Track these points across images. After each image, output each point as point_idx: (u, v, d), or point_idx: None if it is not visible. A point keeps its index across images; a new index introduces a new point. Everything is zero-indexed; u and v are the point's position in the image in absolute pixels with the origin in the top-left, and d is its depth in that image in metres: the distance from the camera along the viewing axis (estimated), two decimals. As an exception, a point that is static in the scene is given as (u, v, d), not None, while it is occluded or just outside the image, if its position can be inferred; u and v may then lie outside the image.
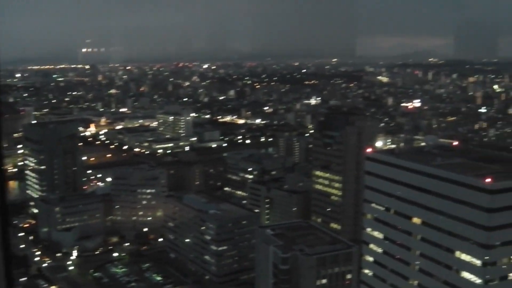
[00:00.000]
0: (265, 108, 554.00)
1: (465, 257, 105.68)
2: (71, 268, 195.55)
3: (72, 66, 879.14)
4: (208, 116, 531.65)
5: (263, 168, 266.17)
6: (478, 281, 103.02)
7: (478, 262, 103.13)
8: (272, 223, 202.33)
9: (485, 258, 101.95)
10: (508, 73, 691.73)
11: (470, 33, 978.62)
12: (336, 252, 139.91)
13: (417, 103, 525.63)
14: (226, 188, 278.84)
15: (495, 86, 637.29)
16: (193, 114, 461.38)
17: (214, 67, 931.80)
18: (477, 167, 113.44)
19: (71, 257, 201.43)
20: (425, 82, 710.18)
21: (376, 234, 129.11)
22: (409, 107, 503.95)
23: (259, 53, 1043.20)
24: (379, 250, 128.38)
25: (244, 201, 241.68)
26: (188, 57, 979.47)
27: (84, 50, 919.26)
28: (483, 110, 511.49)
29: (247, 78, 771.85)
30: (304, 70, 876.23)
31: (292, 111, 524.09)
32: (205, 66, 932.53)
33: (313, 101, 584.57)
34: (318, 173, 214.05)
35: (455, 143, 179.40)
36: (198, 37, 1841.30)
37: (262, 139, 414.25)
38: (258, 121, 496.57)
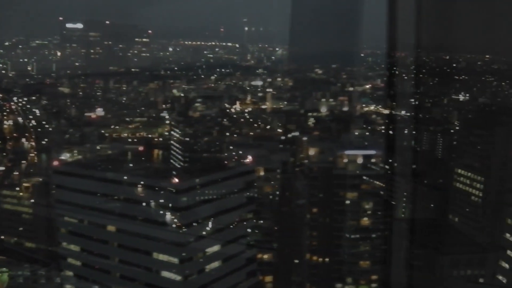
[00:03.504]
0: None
1: (163, 257, 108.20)
2: None
3: None
4: None
5: None
6: (178, 278, 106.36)
7: (175, 260, 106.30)
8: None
9: (182, 255, 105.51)
10: (186, 77, 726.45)
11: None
12: (36, 273, 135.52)
13: (100, 111, 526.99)
14: None
15: (174, 90, 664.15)
16: None
17: None
18: (164, 169, 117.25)
19: None
20: (107, 90, 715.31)
21: (73, 247, 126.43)
22: (92, 116, 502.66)
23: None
24: (78, 263, 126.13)
25: None
26: None
27: None
28: (165, 114, 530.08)
29: None
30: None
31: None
32: None
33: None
34: (5, 192, 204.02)
35: (141, 148, 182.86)
36: None
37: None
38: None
